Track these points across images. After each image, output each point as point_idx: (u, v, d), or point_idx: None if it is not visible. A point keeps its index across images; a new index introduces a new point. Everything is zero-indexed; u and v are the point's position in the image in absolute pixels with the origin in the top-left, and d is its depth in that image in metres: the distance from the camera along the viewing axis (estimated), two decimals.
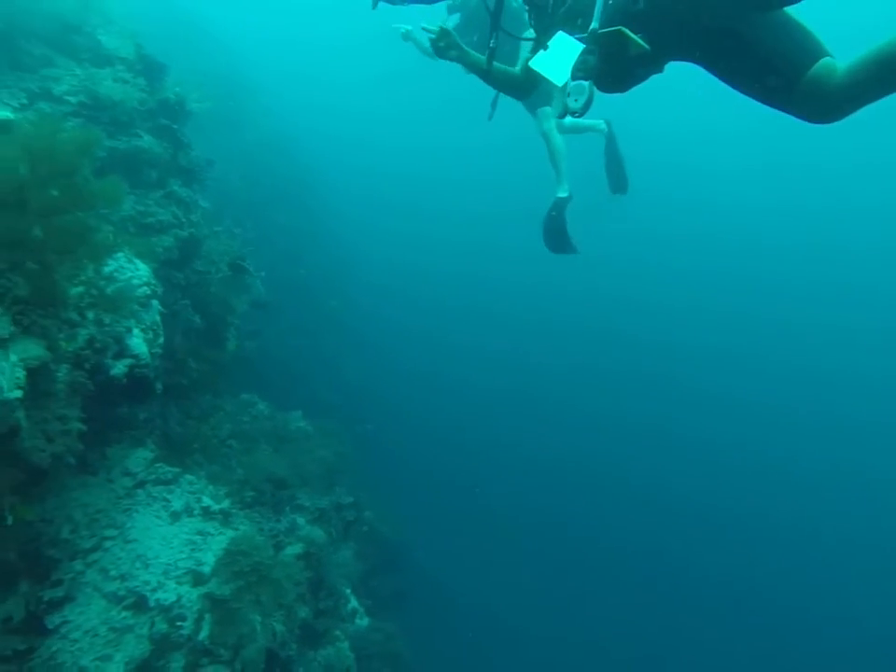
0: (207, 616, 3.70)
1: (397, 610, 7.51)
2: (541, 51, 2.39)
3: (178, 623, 3.60)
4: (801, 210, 26.30)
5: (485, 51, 2.82)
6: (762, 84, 2.18)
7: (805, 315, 23.62)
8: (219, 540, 4.14)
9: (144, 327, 4.01)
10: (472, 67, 2.93)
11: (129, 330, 3.82)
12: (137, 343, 3.88)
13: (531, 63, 2.44)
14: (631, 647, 11.36)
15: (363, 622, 5.89)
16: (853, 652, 12.78)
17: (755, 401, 20.12)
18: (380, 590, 7.37)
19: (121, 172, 4.48)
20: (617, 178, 7.13)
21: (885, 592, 14.31)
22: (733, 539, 14.95)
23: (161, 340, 4.18)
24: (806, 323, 23.34)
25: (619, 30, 2.19)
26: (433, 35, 2.87)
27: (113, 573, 3.60)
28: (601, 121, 7.11)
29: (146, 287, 4.05)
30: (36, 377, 2.96)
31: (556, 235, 6.18)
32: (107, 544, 3.70)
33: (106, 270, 3.76)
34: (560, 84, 2.32)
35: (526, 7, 2.71)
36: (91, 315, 3.52)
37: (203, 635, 3.63)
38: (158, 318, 4.19)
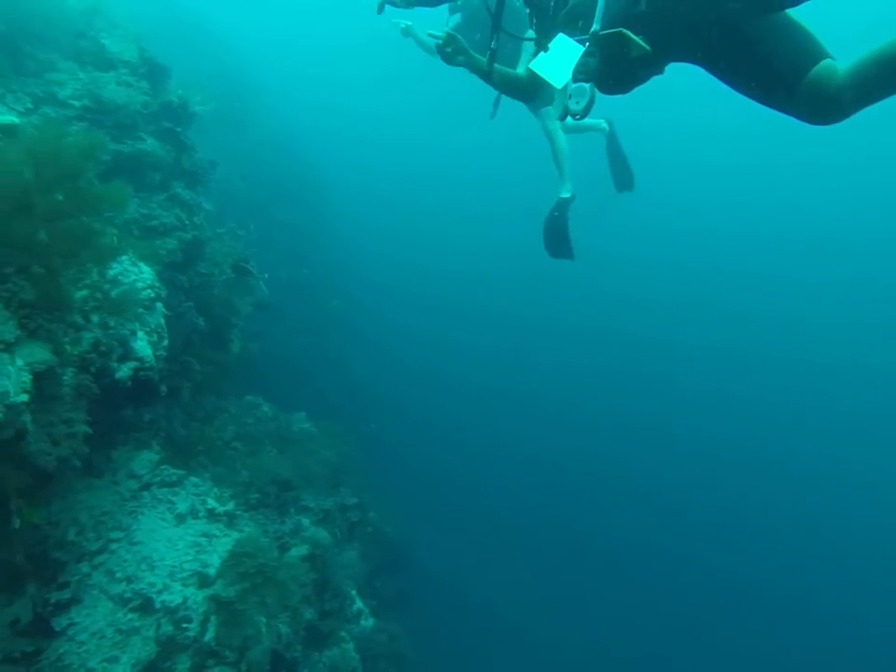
0: (213, 618, 3.73)
1: (401, 611, 7.53)
2: (542, 53, 2.39)
3: (184, 625, 3.62)
4: (800, 207, 26.24)
5: (487, 52, 2.82)
6: (762, 85, 2.18)
7: (804, 312, 23.60)
8: (224, 542, 4.16)
9: (148, 329, 4.03)
10: (480, 72, 2.92)
11: (133, 333, 3.83)
12: (142, 345, 3.89)
13: (531, 65, 2.45)
14: (632, 646, 11.37)
15: (368, 622, 5.90)
16: (854, 649, 12.77)
17: (755, 398, 20.10)
18: (384, 590, 7.37)
19: (125, 175, 4.51)
20: (623, 176, 7.13)
21: (885, 588, 14.29)
22: (733, 536, 14.95)
23: (166, 342, 4.20)
24: (806, 320, 23.31)
25: (620, 31, 2.19)
26: (440, 41, 2.85)
27: (119, 575, 3.62)
28: (602, 121, 7.09)
29: (150, 290, 4.07)
30: (42, 381, 2.98)
31: (557, 237, 6.15)
32: (113, 546, 3.72)
33: (111, 273, 3.78)
34: (559, 87, 2.32)
35: (527, 9, 2.72)
36: (95, 318, 3.54)
37: (209, 636, 3.65)
38: (162, 321, 4.21)
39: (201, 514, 4.28)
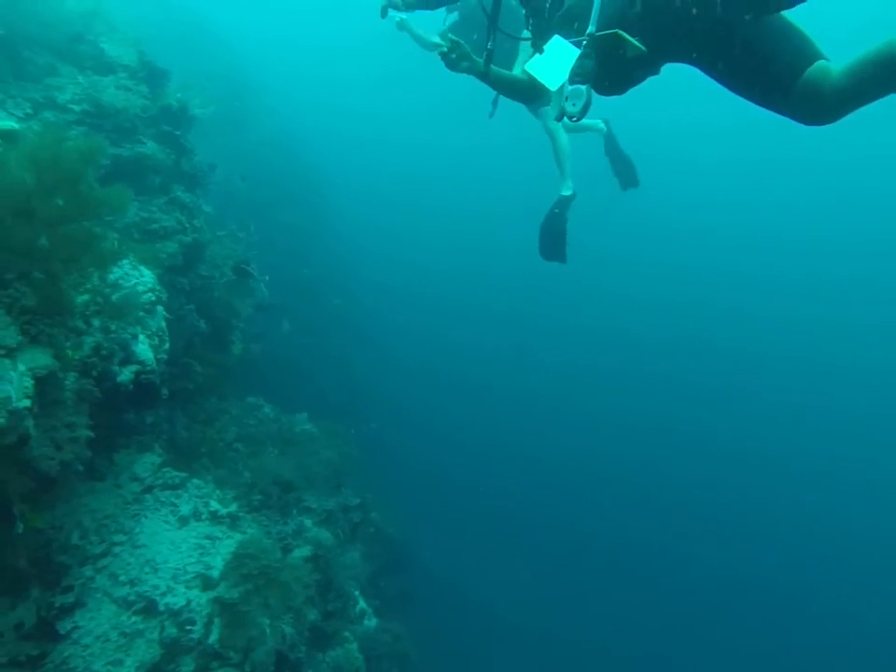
0: (217, 620, 3.74)
1: (404, 611, 7.55)
2: (537, 55, 2.40)
3: (188, 627, 3.63)
4: (799, 205, 26.22)
5: (484, 52, 2.81)
6: (759, 87, 2.19)
7: (804, 311, 23.59)
8: (227, 544, 4.17)
9: (149, 333, 4.03)
10: (481, 75, 2.90)
11: (134, 337, 3.84)
12: (143, 349, 3.90)
13: (526, 67, 2.45)
14: (633, 644, 11.40)
15: (371, 622, 5.92)
16: (853, 647, 12.78)
17: (755, 397, 20.12)
18: (387, 590, 7.39)
19: (125, 179, 4.51)
20: (626, 174, 7.14)
21: (885, 586, 14.29)
22: (733, 534, 14.97)
23: (167, 345, 4.21)
24: (806, 318, 23.31)
25: (615, 33, 2.20)
26: (444, 49, 2.82)
27: (122, 578, 3.64)
28: (599, 121, 7.10)
29: (151, 294, 4.07)
30: (44, 386, 2.99)
31: (553, 236, 6.14)
32: (116, 549, 3.73)
33: (112, 277, 3.79)
34: (554, 89, 2.33)
35: (523, 10, 2.72)
36: (97, 322, 3.55)
37: (213, 638, 3.67)
38: (163, 324, 4.22)
39: (203, 516, 4.29)
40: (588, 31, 2.22)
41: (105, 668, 3.30)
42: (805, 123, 2.13)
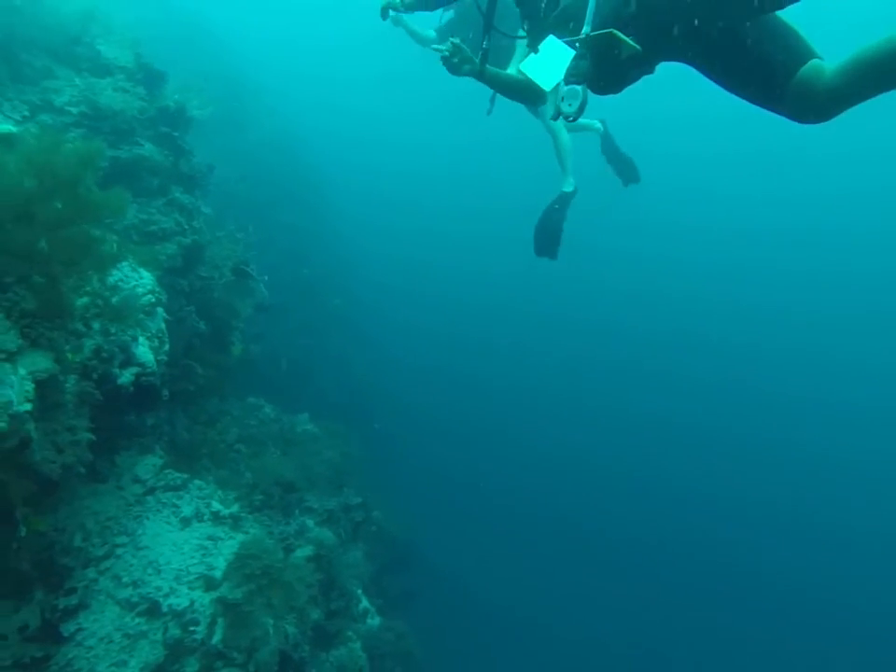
0: (220, 620, 3.75)
1: (407, 609, 7.56)
2: (531, 55, 2.40)
3: (191, 628, 3.64)
4: (799, 199, 26.21)
5: (479, 51, 2.81)
6: (752, 85, 2.19)
7: (804, 304, 23.59)
8: (230, 545, 4.18)
9: (149, 335, 4.04)
10: (479, 76, 2.89)
11: (134, 339, 3.85)
12: (143, 351, 3.91)
13: (521, 67, 2.46)
14: (636, 641, 11.41)
15: (374, 621, 5.93)
16: (854, 644, 12.77)
17: (755, 391, 20.13)
18: (390, 589, 7.41)
19: (124, 181, 4.52)
20: (626, 170, 7.15)
21: (885, 578, 14.29)
22: (733, 529, 14.97)
23: (167, 347, 4.22)
24: (806, 312, 23.31)
25: (610, 32, 2.20)
26: (445, 53, 2.81)
27: (126, 580, 3.65)
28: (596, 121, 7.11)
29: (150, 296, 4.08)
30: (45, 389, 3.00)
31: (549, 232, 6.15)
32: (119, 551, 3.75)
33: (111, 280, 3.79)
34: (548, 89, 2.33)
35: (518, 9, 2.72)
36: (96, 325, 3.56)
37: (217, 639, 3.68)
38: (163, 326, 4.23)
39: (205, 517, 4.30)
40: (583, 31, 2.22)
41: (109, 670, 3.32)
42: (800, 122, 2.14)
